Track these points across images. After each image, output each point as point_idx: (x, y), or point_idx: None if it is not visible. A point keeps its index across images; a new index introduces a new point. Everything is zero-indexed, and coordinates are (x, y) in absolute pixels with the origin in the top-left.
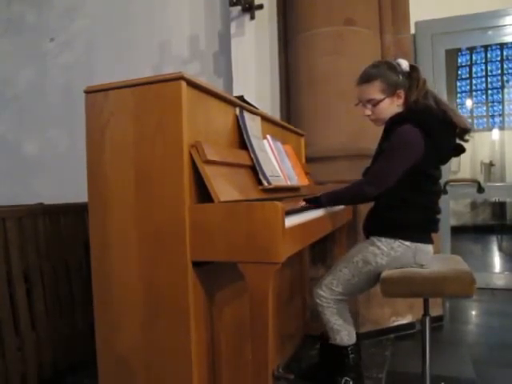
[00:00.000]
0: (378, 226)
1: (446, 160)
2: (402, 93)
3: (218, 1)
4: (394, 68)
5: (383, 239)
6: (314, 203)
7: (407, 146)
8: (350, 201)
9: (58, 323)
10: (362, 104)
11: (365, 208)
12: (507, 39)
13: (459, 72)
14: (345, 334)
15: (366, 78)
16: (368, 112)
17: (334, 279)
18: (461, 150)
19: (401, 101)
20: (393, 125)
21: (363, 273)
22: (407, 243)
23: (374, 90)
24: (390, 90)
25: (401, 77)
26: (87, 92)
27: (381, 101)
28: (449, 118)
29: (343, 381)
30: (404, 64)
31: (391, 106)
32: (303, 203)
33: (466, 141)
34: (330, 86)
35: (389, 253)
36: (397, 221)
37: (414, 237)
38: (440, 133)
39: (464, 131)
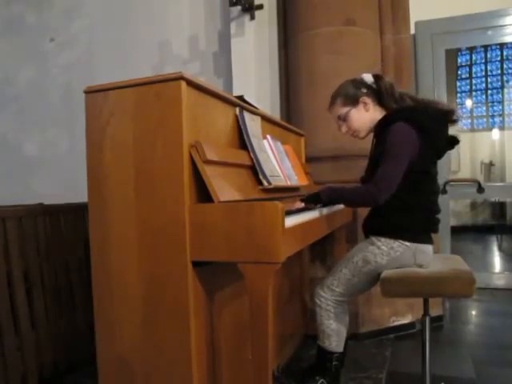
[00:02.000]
0: (378, 227)
1: (442, 153)
2: (366, 99)
3: (218, 1)
4: (355, 82)
5: (383, 239)
6: (312, 201)
7: (404, 142)
8: (354, 204)
9: (58, 323)
10: (338, 126)
11: (365, 208)
12: (507, 39)
13: (459, 72)
14: (334, 340)
15: (329, 103)
16: (344, 129)
17: (334, 279)
18: (455, 142)
19: (368, 106)
20: (383, 126)
21: (363, 272)
22: (407, 243)
23: (338, 107)
24: (352, 101)
25: (362, 88)
26: (87, 92)
27: (347, 113)
28: (433, 108)
29: (320, 381)
30: (367, 77)
31: (361, 114)
32: (301, 204)
33: (456, 121)
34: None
35: (388, 253)
36: (397, 222)
37: (414, 237)
38: (430, 124)
39: (451, 113)
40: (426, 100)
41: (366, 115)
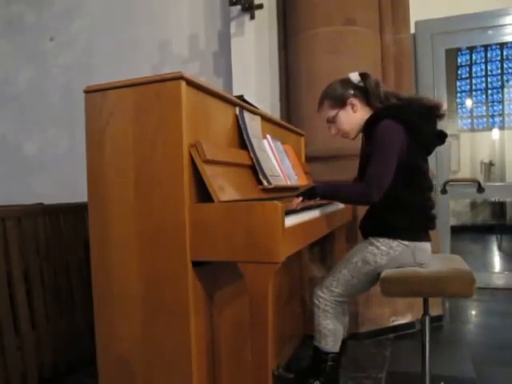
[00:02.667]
0: (376, 228)
1: (431, 148)
2: (354, 100)
3: (217, 0)
4: (342, 83)
5: (381, 239)
6: (308, 194)
7: (392, 139)
8: (348, 202)
9: (58, 323)
10: (328, 127)
11: (363, 208)
12: (507, 39)
13: (459, 72)
14: (331, 340)
15: (318, 105)
16: (333, 131)
17: (333, 280)
18: (444, 136)
19: (356, 108)
20: (370, 125)
21: (363, 273)
22: (406, 242)
23: (326, 110)
24: (339, 103)
25: (349, 89)
26: (87, 92)
27: (335, 115)
28: (418, 103)
29: (315, 383)
30: (353, 76)
31: (349, 116)
32: (298, 200)
33: (442, 116)
34: None
35: (388, 252)
36: (394, 222)
37: (413, 236)
38: (416, 120)
39: (435, 107)
40: (411, 97)
41: (354, 116)
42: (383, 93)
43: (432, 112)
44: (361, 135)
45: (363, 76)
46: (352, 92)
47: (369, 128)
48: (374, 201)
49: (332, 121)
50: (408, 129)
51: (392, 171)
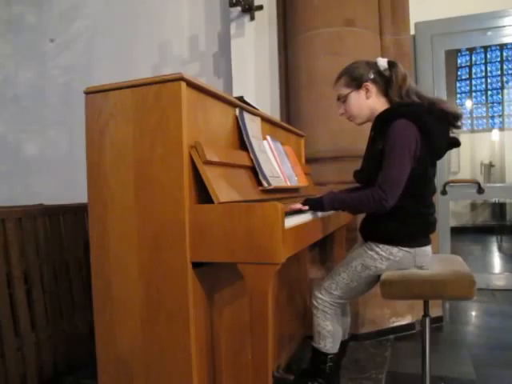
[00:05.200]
0: (377, 234)
1: (442, 153)
2: (370, 86)
3: (217, 1)
4: (366, 65)
5: (381, 245)
6: (315, 207)
7: (408, 141)
8: (359, 212)
9: (58, 323)
10: (337, 105)
11: None
12: (507, 40)
13: (459, 73)
14: (329, 341)
15: (335, 79)
16: (341, 110)
17: (332, 283)
18: (455, 144)
19: (370, 94)
20: (384, 122)
21: (363, 277)
22: (407, 249)
23: (341, 86)
24: (355, 83)
25: (371, 73)
26: (87, 93)
27: (347, 95)
28: (437, 107)
29: None
30: (381, 61)
31: (360, 100)
32: (304, 207)
33: (459, 127)
34: (329, 86)
35: (388, 258)
36: (396, 230)
37: (414, 243)
38: (433, 124)
39: (456, 117)
40: (434, 99)
41: (365, 102)
42: (407, 88)
43: (449, 119)
44: (367, 126)
45: (391, 64)
46: (372, 76)
47: (381, 124)
48: (389, 206)
49: (343, 100)
50: (422, 131)
51: (407, 174)
